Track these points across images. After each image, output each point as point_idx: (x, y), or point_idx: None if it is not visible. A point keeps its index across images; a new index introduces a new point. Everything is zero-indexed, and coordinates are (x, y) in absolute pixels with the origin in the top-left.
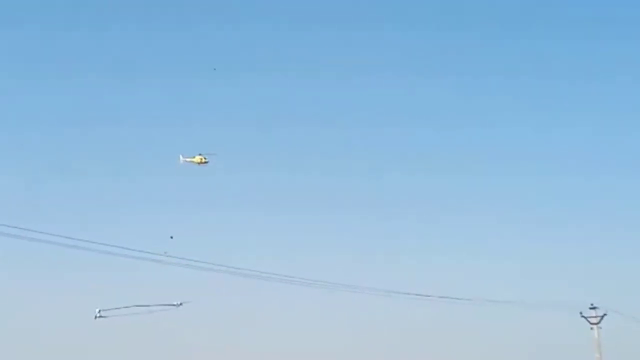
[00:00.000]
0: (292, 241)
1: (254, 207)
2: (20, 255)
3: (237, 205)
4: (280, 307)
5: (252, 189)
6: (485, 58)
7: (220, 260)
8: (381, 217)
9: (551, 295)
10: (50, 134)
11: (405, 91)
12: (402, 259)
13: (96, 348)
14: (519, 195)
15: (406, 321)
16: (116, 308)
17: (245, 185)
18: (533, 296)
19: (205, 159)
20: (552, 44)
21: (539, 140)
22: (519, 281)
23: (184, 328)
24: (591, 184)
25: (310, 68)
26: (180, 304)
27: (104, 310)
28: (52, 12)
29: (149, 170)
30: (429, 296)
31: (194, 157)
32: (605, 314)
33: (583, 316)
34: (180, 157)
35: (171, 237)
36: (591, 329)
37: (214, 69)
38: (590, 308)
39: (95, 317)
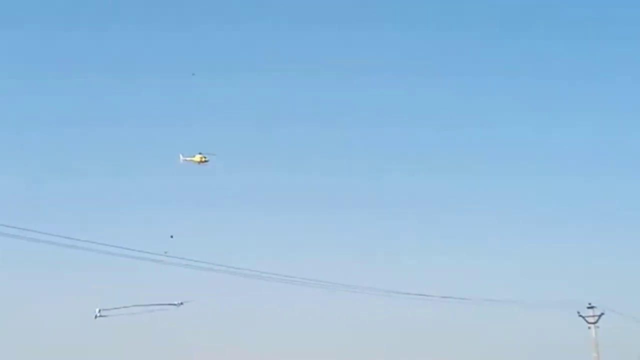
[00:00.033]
0: (292, 241)
1: (254, 207)
2: (20, 255)
3: (237, 205)
4: (280, 307)
5: (252, 189)
6: (485, 58)
7: (220, 260)
8: (381, 217)
9: (549, 294)
10: (50, 134)
11: (405, 91)
12: (402, 259)
13: (96, 348)
14: (519, 195)
15: (406, 321)
16: (116, 308)
17: (245, 185)
18: (532, 296)
19: (205, 158)
20: (552, 44)
21: (539, 140)
22: (518, 281)
23: (184, 328)
24: (591, 184)
25: (310, 68)
26: (181, 303)
27: (104, 310)
28: (52, 12)
29: (149, 170)
30: (428, 296)
31: (194, 157)
32: (602, 314)
33: (581, 315)
34: (180, 156)
35: (171, 237)
36: (589, 328)
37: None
38: (588, 307)
39: (96, 316)
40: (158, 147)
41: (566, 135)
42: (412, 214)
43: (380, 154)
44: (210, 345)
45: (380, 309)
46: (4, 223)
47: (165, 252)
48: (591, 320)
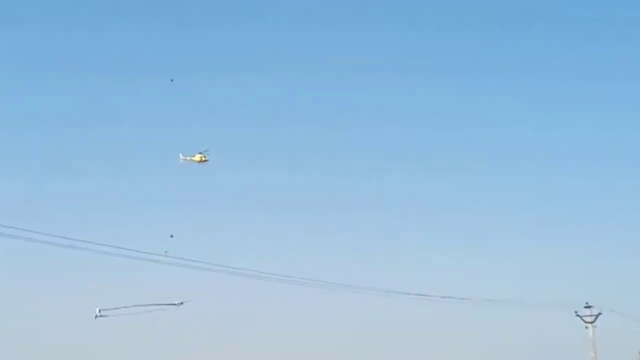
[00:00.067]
0: (291, 241)
1: (253, 207)
2: (20, 255)
3: (237, 205)
4: (280, 307)
5: (252, 189)
6: (485, 58)
7: (220, 260)
8: (381, 217)
9: (547, 294)
10: (50, 134)
11: (405, 91)
12: (401, 258)
13: (96, 347)
14: (519, 195)
15: (406, 321)
16: (116, 308)
17: (245, 185)
18: (530, 296)
19: (205, 157)
20: (552, 44)
21: (539, 140)
22: (516, 281)
23: (184, 328)
24: (591, 184)
25: (310, 68)
26: (181, 303)
27: (104, 310)
28: (52, 12)
29: (148, 170)
30: (428, 296)
31: (193, 156)
32: (600, 313)
33: (578, 315)
34: (180, 155)
35: (171, 236)
36: (586, 327)
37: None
38: (586, 307)
39: (96, 316)
40: (158, 147)
41: (566, 135)
42: (412, 214)
43: (380, 154)
44: (210, 345)
45: (380, 309)
46: (4, 223)
47: (166, 252)
48: (588, 319)
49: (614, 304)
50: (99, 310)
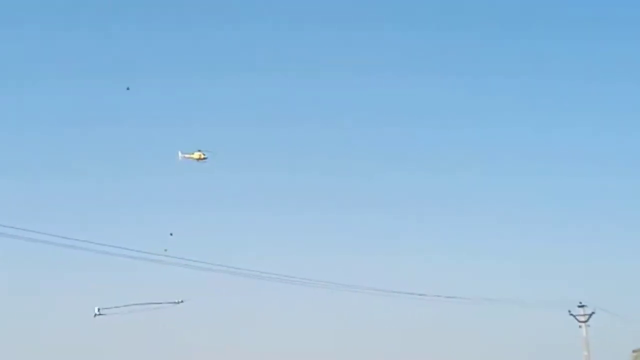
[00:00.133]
0: (291, 241)
1: (253, 207)
2: (20, 255)
3: (237, 205)
4: (280, 307)
5: (251, 188)
6: (485, 58)
7: (220, 260)
8: (381, 217)
9: (541, 293)
10: (50, 134)
11: (405, 91)
12: (402, 258)
13: (96, 347)
14: (519, 195)
15: (406, 321)
16: (116, 307)
17: (245, 185)
18: (525, 295)
19: (204, 155)
20: (552, 44)
21: (539, 140)
22: (514, 280)
23: (184, 327)
24: (591, 184)
25: (310, 68)
26: (181, 301)
27: (103, 308)
28: (52, 12)
29: (148, 170)
30: (429, 296)
31: (192, 154)
32: (593, 312)
33: (572, 314)
34: (179, 153)
35: (171, 234)
36: (579, 327)
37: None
38: (579, 306)
39: (95, 315)
40: (158, 147)
41: (566, 135)
42: (412, 213)
43: (380, 154)
44: (209, 344)
45: (380, 309)
46: (4, 223)
47: (165, 250)
48: (582, 319)
49: (607, 303)
50: (98, 309)
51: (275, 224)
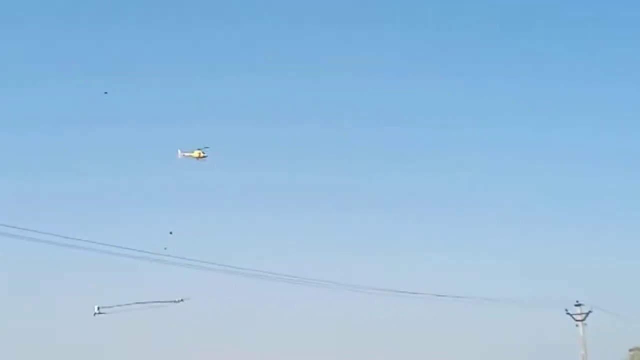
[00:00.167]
0: (292, 241)
1: (254, 207)
2: (20, 255)
3: (237, 205)
4: (281, 306)
5: (252, 188)
6: (485, 58)
7: (220, 260)
8: (381, 217)
9: (539, 293)
10: (50, 134)
11: (405, 91)
12: (402, 258)
13: (96, 347)
14: (519, 195)
15: (407, 320)
16: (117, 306)
17: (245, 185)
18: (525, 294)
19: (203, 153)
20: (552, 44)
21: (539, 140)
22: (514, 280)
23: (184, 327)
24: (591, 184)
25: (310, 68)
26: (181, 300)
27: (103, 307)
28: (52, 12)
29: (149, 170)
30: (429, 295)
31: (192, 152)
32: (590, 311)
33: (569, 313)
34: (179, 151)
35: (170, 233)
36: (577, 326)
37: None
38: (576, 305)
39: (95, 314)
40: (158, 147)
41: (566, 135)
42: (412, 213)
43: (380, 154)
44: (210, 344)
45: (380, 309)
46: (4, 223)
47: (165, 249)
48: (579, 318)
49: (605, 303)
50: (98, 308)
51: (276, 223)
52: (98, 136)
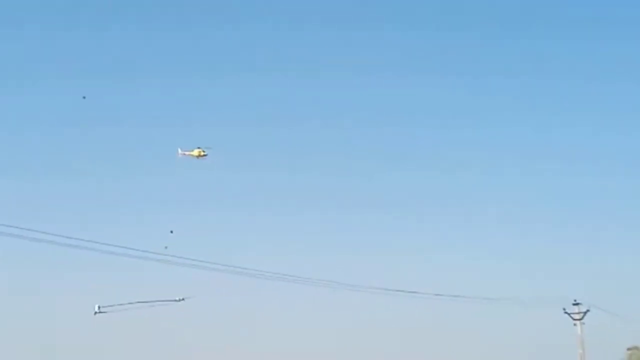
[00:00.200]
0: (292, 240)
1: (254, 206)
2: (20, 255)
3: (238, 205)
4: (281, 306)
5: (252, 188)
6: (485, 58)
7: (221, 260)
8: (381, 217)
9: (537, 292)
10: (50, 134)
11: (405, 91)
12: (402, 258)
13: (96, 346)
14: (519, 195)
15: (407, 320)
16: (117, 304)
17: (245, 184)
18: (524, 294)
19: (203, 152)
20: (552, 44)
21: (539, 140)
22: (513, 279)
23: (185, 326)
24: (591, 184)
25: (310, 68)
26: (182, 299)
27: (103, 307)
28: (52, 12)
29: (149, 170)
30: (429, 295)
31: (192, 151)
32: (588, 310)
33: (566, 312)
34: (179, 150)
35: (171, 232)
36: (574, 325)
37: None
38: (574, 304)
39: (95, 313)
40: (158, 147)
41: (566, 135)
42: (412, 213)
43: (380, 154)
44: (210, 343)
45: (380, 308)
46: (4, 223)
47: (165, 248)
48: (577, 317)
49: (602, 301)
50: (98, 307)
51: (276, 223)
52: (98, 136)
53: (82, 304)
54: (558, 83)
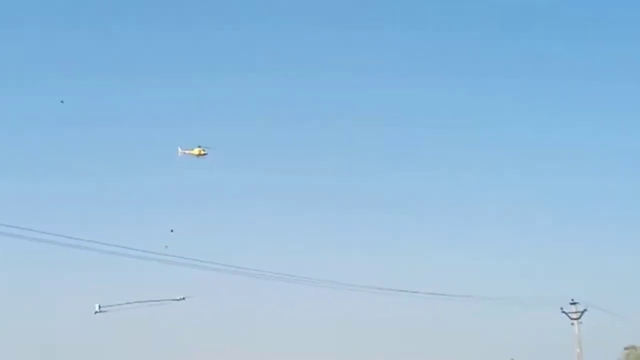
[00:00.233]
0: (292, 240)
1: (254, 206)
2: (20, 255)
3: (238, 205)
4: (281, 305)
5: (252, 188)
6: (485, 58)
7: (221, 259)
8: (381, 217)
9: (537, 291)
10: (50, 134)
11: (405, 91)
12: (402, 257)
13: (97, 346)
14: (519, 195)
15: (406, 319)
16: (118, 304)
17: (245, 184)
18: (523, 293)
19: (203, 151)
20: (552, 44)
21: (539, 140)
22: (513, 279)
23: (185, 326)
24: (591, 184)
25: (310, 68)
26: (182, 298)
27: (104, 306)
28: (52, 12)
29: (149, 170)
30: (428, 294)
31: (192, 150)
32: (585, 310)
33: (564, 312)
34: (179, 149)
35: (171, 231)
36: (572, 324)
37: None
38: (571, 303)
39: (95, 312)
40: (158, 146)
41: (566, 135)
42: (412, 213)
43: (380, 154)
44: (210, 343)
45: (380, 308)
46: (4, 223)
47: (166, 247)
48: (574, 316)
49: (599, 301)
50: (99, 307)
51: (276, 223)
52: (98, 136)
53: (82, 304)
54: (558, 83)
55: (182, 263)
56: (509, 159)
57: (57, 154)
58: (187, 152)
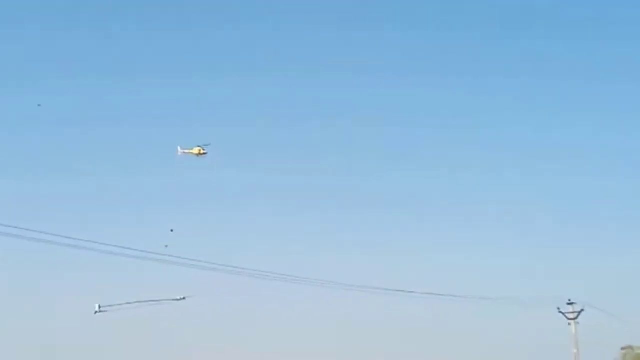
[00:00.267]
0: (292, 240)
1: (254, 206)
2: (20, 255)
3: (238, 205)
4: (281, 305)
5: (252, 188)
6: (485, 58)
7: (221, 259)
8: (381, 217)
9: (535, 291)
10: (50, 134)
11: (405, 91)
12: (402, 257)
13: (97, 345)
14: (519, 195)
15: (406, 319)
16: (118, 304)
17: (245, 184)
18: (522, 293)
19: (203, 150)
20: (552, 44)
21: (539, 140)
22: (512, 279)
23: (185, 326)
24: (591, 184)
25: (310, 68)
26: (183, 298)
27: (104, 306)
28: (52, 12)
29: (149, 170)
30: (428, 294)
31: (192, 149)
32: (582, 310)
33: (561, 312)
34: (179, 148)
35: (171, 231)
36: (569, 324)
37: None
38: (568, 304)
39: (95, 312)
40: (158, 146)
41: (566, 135)
42: (412, 213)
43: (380, 154)
44: (210, 342)
45: (380, 308)
46: (4, 223)
47: (166, 247)
48: (571, 316)
49: (597, 301)
50: (99, 306)
51: (276, 223)
52: (98, 136)
53: (82, 304)
54: (558, 83)
55: (182, 263)
56: (509, 159)
57: (57, 154)
58: (187, 151)
